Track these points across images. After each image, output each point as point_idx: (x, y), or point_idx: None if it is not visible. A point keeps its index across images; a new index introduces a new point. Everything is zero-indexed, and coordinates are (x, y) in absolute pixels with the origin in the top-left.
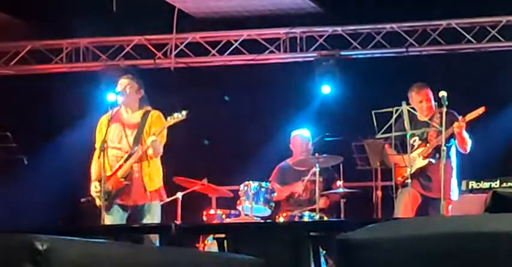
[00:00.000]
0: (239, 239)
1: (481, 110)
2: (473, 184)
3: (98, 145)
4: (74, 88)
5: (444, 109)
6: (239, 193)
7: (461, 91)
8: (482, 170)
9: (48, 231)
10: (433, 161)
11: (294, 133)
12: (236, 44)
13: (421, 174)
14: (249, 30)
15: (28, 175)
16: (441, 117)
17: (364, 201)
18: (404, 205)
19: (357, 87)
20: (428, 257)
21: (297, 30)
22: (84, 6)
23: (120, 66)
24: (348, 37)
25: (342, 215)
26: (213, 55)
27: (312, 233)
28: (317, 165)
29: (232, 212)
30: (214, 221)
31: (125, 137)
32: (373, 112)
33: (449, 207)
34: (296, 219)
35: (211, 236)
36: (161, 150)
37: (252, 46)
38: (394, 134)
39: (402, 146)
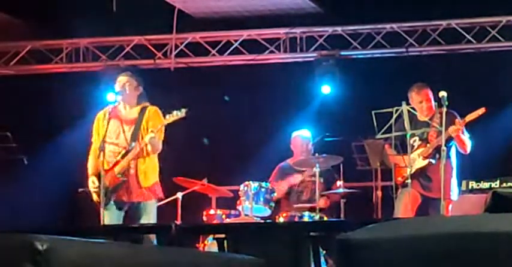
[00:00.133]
0: (239, 239)
1: (481, 111)
2: (473, 184)
3: (94, 140)
4: (74, 88)
5: (444, 109)
6: (239, 193)
7: (461, 91)
8: (482, 170)
9: (48, 231)
10: (433, 161)
11: (294, 134)
12: (236, 44)
13: (421, 174)
14: (249, 30)
15: (28, 175)
16: (441, 117)
17: (364, 201)
18: (404, 205)
19: (357, 87)
20: (428, 257)
21: (297, 30)
22: (84, 6)
23: (120, 66)
24: (348, 37)
25: (342, 215)
26: (213, 55)
27: (312, 233)
28: (317, 165)
29: (232, 212)
30: (214, 221)
31: (122, 133)
32: (373, 112)
33: (449, 207)
34: (296, 219)
35: (211, 236)
36: (160, 147)
37: (252, 46)
38: (394, 134)
39: (402, 147)
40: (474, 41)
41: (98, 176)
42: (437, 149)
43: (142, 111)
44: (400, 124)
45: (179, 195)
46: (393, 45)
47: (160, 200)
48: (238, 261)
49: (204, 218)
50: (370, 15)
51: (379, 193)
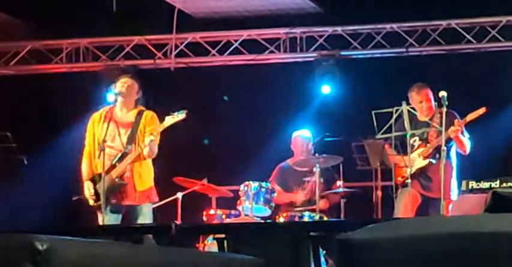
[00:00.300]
0: (239, 239)
1: (481, 111)
2: (473, 184)
3: (87, 143)
4: (74, 88)
5: (444, 109)
6: (239, 193)
7: (461, 91)
8: (482, 170)
9: (48, 231)
10: (433, 161)
11: (294, 134)
12: (236, 44)
13: (421, 174)
14: (249, 30)
15: (28, 175)
16: (441, 117)
17: (364, 201)
18: (404, 205)
19: (357, 87)
20: (428, 257)
21: (297, 30)
22: (84, 6)
23: (120, 66)
24: (348, 37)
25: (342, 215)
26: (213, 55)
27: (312, 233)
28: (317, 165)
29: (232, 212)
30: (214, 221)
31: (118, 136)
32: (373, 112)
33: (449, 207)
34: (296, 219)
35: (211, 236)
36: (156, 151)
37: (252, 46)
38: (394, 134)
39: (402, 147)
40: (474, 41)
41: (93, 181)
42: (438, 149)
43: (139, 115)
44: (400, 124)
45: (179, 195)
46: (393, 45)
47: (154, 203)
48: (238, 261)
49: (204, 218)
50: (370, 15)
51: (379, 193)
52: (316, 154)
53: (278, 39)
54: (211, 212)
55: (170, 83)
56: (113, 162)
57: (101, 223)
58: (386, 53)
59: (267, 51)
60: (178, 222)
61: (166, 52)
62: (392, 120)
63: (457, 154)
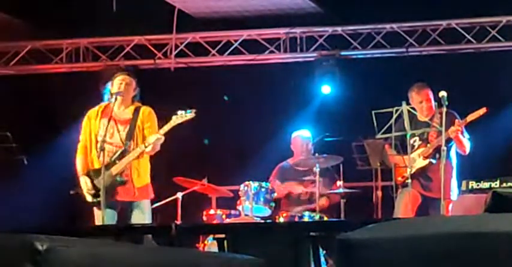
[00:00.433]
0: (239, 239)
1: (482, 111)
2: (473, 184)
3: (82, 138)
4: (74, 88)
5: (444, 109)
6: (239, 193)
7: (461, 91)
8: (482, 170)
9: (48, 231)
10: (433, 161)
11: (294, 134)
12: (236, 44)
13: (421, 174)
14: (249, 30)
15: (28, 175)
16: (441, 117)
17: (364, 201)
18: (405, 205)
19: (357, 87)
20: (428, 257)
21: (297, 30)
22: (84, 6)
23: (120, 66)
24: (348, 37)
25: (342, 215)
26: (213, 55)
27: (312, 233)
28: (317, 165)
29: (232, 212)
30: (214, 221)
31: (117, 133)
32: (373, 112)
33: (449, 207)
34: (296, 219)
35: (211, 236)
36: (158, 148)
37: (252, 46)
38: (394, 134)
39: (402, 147)
40: (474, 41)
41: (89, 176)
42: (438, 149)
43: (136, 111)
44: (400, 124)
45: (179, 195)
46: (393, 45)
47: (152, 201)
48: (238, 261)
49: (204, 218)
50: (370, 15)
51: (379, 193)
52: (316, 154)
53: (278, 39)
54: (211, 212)
55: (170, 83)
56: (112, 159)
57: (97, 220)
58: (386, 53)
59: (267, 51)
60: (178, 222)
61: (166, 52)
62: (393, 120)
63: (457, 154)
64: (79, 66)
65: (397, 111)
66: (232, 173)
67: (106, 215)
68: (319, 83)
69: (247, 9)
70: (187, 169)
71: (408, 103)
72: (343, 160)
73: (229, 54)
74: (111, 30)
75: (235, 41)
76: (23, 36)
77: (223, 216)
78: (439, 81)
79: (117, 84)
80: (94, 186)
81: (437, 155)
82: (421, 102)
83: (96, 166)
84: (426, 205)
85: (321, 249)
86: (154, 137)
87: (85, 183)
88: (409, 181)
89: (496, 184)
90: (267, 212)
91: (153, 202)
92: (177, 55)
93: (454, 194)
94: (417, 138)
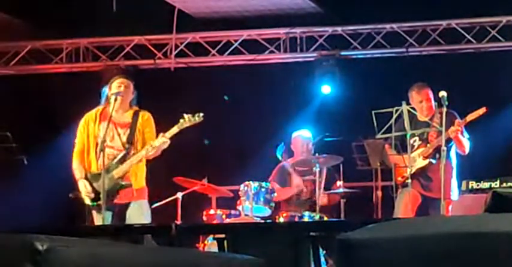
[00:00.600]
0: (239, 239)
1: (481, 111)
2: (473, 184)
3: (78, 142)
4: (74, 88)
5: (444, 109)
6: (239, 193)
7: (461, 91)
8: (482, 170)
9: (48, 231)
10: (433, 161)
11: (295, 134)
12: (236, 44)
13: (421, 174)
14: (249, 30)
15: (28, 175)
16: (441, 117)
17: (364, 201)
18: (405, 205)
19: (357, 87)
20: (428, 257)
21: (297, 30)
22: (84, 6)
23: (120, 66)
24: (348, 37)
25: (342, 215)
26: (213, 55)
27: (312, 233)
28: (317, 165)
29: (232, 212)
30: (214, 221)
31: (117, 136)
32: (373, 112)
33: (449, 207)
34: (296, 219)
35: (211, 236)
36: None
37: (252, 46)
38: (394, 134)
39: (402, 147)
40: (474, 41)
41: (87, 180)
42: (438, 149)
43: (135, 115)
44: (400, 124)
45: (179, 195)
46: (393, 45)
47: (151, 200)
48: (238, 261)
49: (204, 218)
50: (370, 15)
51: (379, 193)
52: (316, 154)
53: (278, 39)
54: (211, 212)
55: (170, 83)
56: (114, 162)
57: (97, 223)
58: (386, 53)
59: (267, 51)
60: (178, 222)
61: (166, 52)
62: (393, 120)
63: (457, 154)
64: (79, 66)
65: (397, 111)
66: (232, 173)
67: (104, 217)
68: (319, 83)
69: (247, 9)
70: (187, 169)
71: (408, 103)
72: (343, 160)
73: (229, 54)
74: (111, 30)
75: (235, 41)
76: (23, 36)
77: (223, 216)
78: (439, 81)
79: (116, 86)
80: (94, 189)
81: (437, 155)
82: (421, 101)
83: (95, 169)
84: (426, 205)
85: (321, 249)
86: (160, 141)
87: (84, 186)
88: (409, 181)
89: (496, 184)
90: (267, 212)
91: (153, 202)
92: (177, 55)
93: (454, 194)
94: (417, 138)
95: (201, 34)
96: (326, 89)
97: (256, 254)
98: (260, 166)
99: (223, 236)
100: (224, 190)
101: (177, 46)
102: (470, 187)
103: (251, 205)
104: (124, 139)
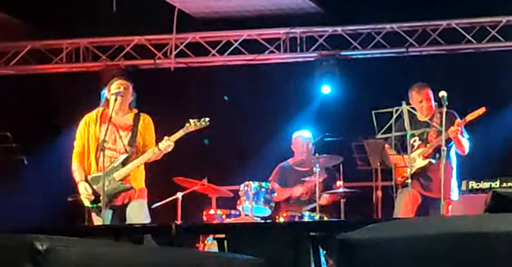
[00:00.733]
0: (239, 239)
1: (481, 111)
2: (473, 184)
3: (77, 144)
4: (74, 88)
5: (444, 109)
6: (239, 193)
7: (461, 91)
8: (482, 170)
9: (48, 231)
10: (433, 161)
11: (295, 134)
12: (236, 44)
13: (421, 174)
14: (249, 30)
15: (28, 175)
16: (441, 117)
17: (364, 201)
18: (405, 205)
19: (357, 87)
20: (428, 257)
21: (297, 30)
22: (84, 6)
23: (120, 66)
24: (348, 37)
25: (342, 215)
26: (213, 55)
27: (312, 233)
28: (317, 165)
29: (232, 212)
30: (214, 221)
31: (119, 139)
32: (373, 112)
33: (449, 207)
34: (296, 219)
35: (211, 236)
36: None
37: (252, 46)
38: (394, 134)
39: (402, 147)
40: (474, 41)
41: (87, 182)
42: (437, 149)
43: (136, 118)
44: (400, 124)
45: (179, 195)
46: (393, 45)
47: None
48: (238, 261)
49: (204, 218)
50: (370, 15)
51: (379, 193)
52: (317, 154)
53: (278, 39)
54: (211, 212)
55: (170, 83)
56: (115, 164)
57: (96, 223)
58: (386, 53)
59: (267, 51)
60: (178, 222)
61: (166, 52)
62: (393, 120)
63: (457, 154)
64: (79, 66)
65: (397, 111)
66: (232, 173)
67: (106, 218)
68: (319, 83)
69: (247, 9)
70: (187, 169)
71: (408, 103)
72: (343, 160)
73: (229, 54)
74: (111, 30)
75: (235, 41)
76: (23, 36)
77: (223, 216)
78: (439, 81)
79: (115, 88)
80: (94, 191)
81: (437, 155)
82: (421, 101)
83: (95, 171)
84: (426, 205)
85: (321, 249)
86: (165, 144)
87: (84, 189)
88: (409, 181)
89: (496, 184)
90: (267, 212)
91: (153, 202)
92: (177, 55)
93: (454, 194)
94: (417, 138)
95: (201, 34)
96: (326, 89)
97: (256, 254)
98: (260, 166)
99: (223, 236)
100: (224, 190)
101: (177, 46)
102: (470, 187)
103: (251, 205)
104: (126, 141)
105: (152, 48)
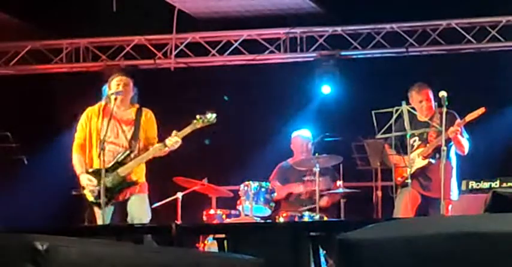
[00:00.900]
0: (239, 239)
1: (481, 111)
2: (473, 184)
3: (78, 136)
4: (74, 88)
5: (444, 109)
6: (239, 193)
7: (461, 91)
8: (482, 170)
9: (48, 231)
10: (433, 161)
11: (294, 134)
12: (236, 44)
13: (421, 174)
14: (249, 30)
15: (28, 175)
16: (441, 117)
17: (364, 201)
18: (404, 205)
19: (357, 87)
20: (428, 257)
21: (297, 30)
22: (84, 6)
23: (120, 66)
24: (348, 37)
25: (342, 215)
26: (213, 55)
27: (312, 233)
28: (317, 165)
29: (232, 212)
30: (214, 221)
31: (122, 133)
32: (373, 112)
33: (449, 207)
34: (296, 219)
35: (211, 236)
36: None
37: (252, 46)
38: (394, 134)
39: (402, 147)
40: (474, 41)
41: (91, 174)
42: (437, 149)
43: (139, 112)
44: (400, 124)
45: (179, 195)
46: (393, 45)
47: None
48: (238, 261)
49: (204, 218)
50: (370, 15)
51: (379, 193)
52: (316, 154)
53: (278, 39)
54: (211, 212)
55: (170, 83)
56: (119, 159)
57: (99, 219)
58: (386, 53)
59: (267, 51)
60: (178, 222)
61: (166, 52)
62: (392, 120)
63: (457, 154)
64: (79, 66)
65: (397, 111)
66: (232, 173)
67: (107, 214)
68: (319, 83)
69: (247, 9)
70: (187, 169)
71: (408, 103)
72: (343, 160)
73: (229, 54)
74: (111, 30)
75: (235, 41)
76: (23, 36)
77: (223, 216)
78: (439, 81)
79: (115, 85)
80: (98, 183)
81: (436, 155)
82: (421, 101)
83: (96, 165)
84: (426, 205)
85: (321, 249)
86: (173, 140)
87: (88, 180)
88: (409, 181)
89: (496, 184)
90: (267, 212)
91: (153, 202)
92: (177, 55)
93: (454, 194)
94: (417, 138)
95: (201, 34)
96: (326, 89)
97: (256, 254)
98: (260, 166)
99: (223, 236)
100: (224, 190)
101: (177, 46)
102: (470, 187)
103: (251, 205)
104: (129, 136)
105: (152, 48)
